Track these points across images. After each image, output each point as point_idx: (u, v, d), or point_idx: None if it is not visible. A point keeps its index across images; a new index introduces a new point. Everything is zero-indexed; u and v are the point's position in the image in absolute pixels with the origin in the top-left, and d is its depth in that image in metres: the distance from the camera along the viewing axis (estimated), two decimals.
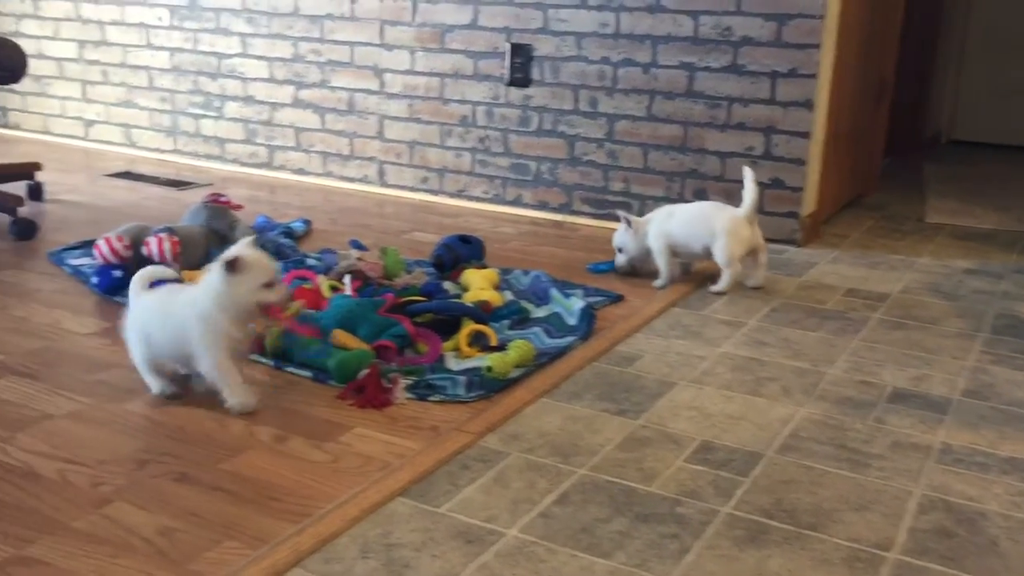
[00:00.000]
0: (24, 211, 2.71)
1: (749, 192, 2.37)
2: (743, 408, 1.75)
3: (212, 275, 1.63)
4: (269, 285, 1.63)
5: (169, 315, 1.65)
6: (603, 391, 1.80)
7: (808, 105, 2.79)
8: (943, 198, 3.82)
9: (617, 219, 2.54)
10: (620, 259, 2.55)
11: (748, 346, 2.06)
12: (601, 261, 2.62)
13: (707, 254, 2.43)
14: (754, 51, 2.83)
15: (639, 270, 2.54)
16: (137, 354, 1.70)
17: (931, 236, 3.17)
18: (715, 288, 2.42)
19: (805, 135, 2.82)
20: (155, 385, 1.71)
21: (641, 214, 2.62)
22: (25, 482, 1.41)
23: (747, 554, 1.29)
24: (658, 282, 2.47)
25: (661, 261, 2.46)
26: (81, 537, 1.28)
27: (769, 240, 2.92)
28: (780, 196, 2.89)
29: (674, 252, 2.46)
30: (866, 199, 3.76)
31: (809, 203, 2.94)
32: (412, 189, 3.43)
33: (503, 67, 3.18)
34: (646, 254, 2.50)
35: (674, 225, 2.43)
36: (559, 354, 1.97)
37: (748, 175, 2.38)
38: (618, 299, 2.36)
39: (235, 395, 1.65)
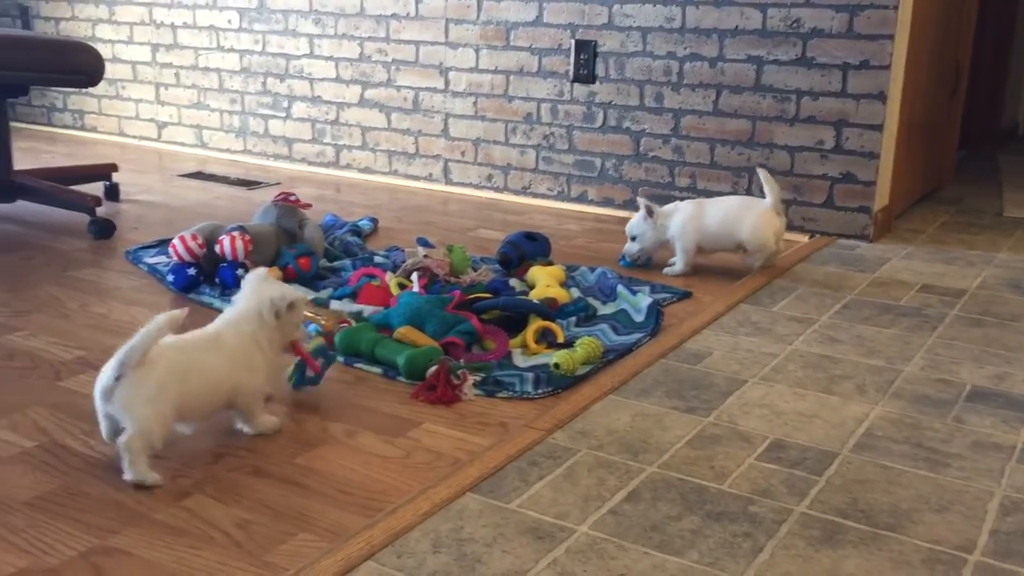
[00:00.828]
0: (102, 211, 2.79)
1: (770, 186, 2.45)
2: (816, 406, 1.72)
3: (252, 311, 1.59)
4: (299, 324, 1.67)
5: (211, 359, 1.53)
6: (672, 388, 1.79)
7: (881, 97, 2.73)
8: (1021, 191, 3.70)
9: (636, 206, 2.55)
10: (633, 248, 2.53)
11: (820, 343, 2.02)
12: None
13: (738, 248, 2.48)
14: (824, 43, 2.77)
15: (652, 260, 2.57)
16: (167, 418, 1.45)
17: (1010, 231, 3.08)
18: (753, 266, 2.51)
19: (878, 128, 2.76)
20: (147, 473, 1.43)
21: None
22: (108, 475, 1.45)
23: (822, 554, 1.27)
24: (674, 270, 2.50)
25: (687, 255, 2.48)
26: (162, 529, 1.32)
27: (839, 236, 2.87)
28: (851, 191, 2.84)
29: (702, 247, 2.49)
30: (940, 193, 3.67)
31: (881, 197, 2.88)
32: (477, 187, 3.44)
33: (568, 63, 3.17)
34: (660, 245, 2.51)
35: (707, 221, 2.46)
36: (626, 351, 1.96)
37: (763, 175, 2.47)
38: (686, 296, 2.34)
39: (266, 423, 1.60)
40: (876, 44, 2.71)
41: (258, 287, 1.63)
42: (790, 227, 2.93)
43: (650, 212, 2.48)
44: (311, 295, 2.24)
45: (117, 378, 1.41)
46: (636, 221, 2.52)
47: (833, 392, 1.78)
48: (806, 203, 2.90)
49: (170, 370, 1.46)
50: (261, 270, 1.69)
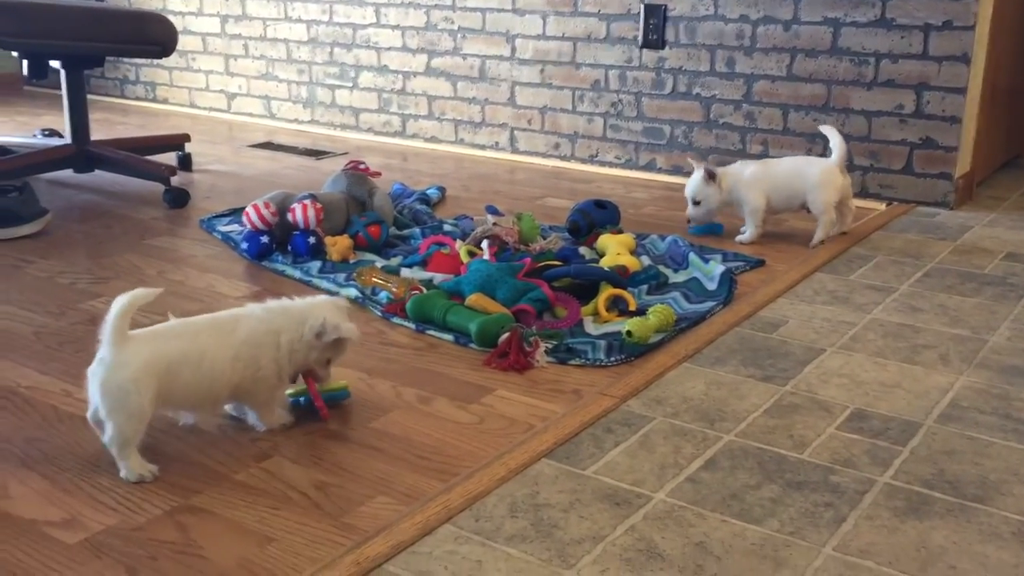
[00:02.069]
0: (176, 180, 2.84)
1: (837, 143, 2.41)
2: (898, 376, 1.68)
3: (297, 312, 1.48)
4: (328, 363, 1.52)
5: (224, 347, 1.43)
6: (747, 357, 1.76)
7: (964, 59, 2.64)
8: None
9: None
10: (698, 211, 2.49)
11: (900, 312, 1.97)
12: (707, 223, 2.57)
13: (801, 207, 2.46)
14: (905, 3, 2.68)
15: (719, 225, 2.56)
16: (141, 413, 1.35)
17: None
18: (813, 241, 2.43)
19: (960, 91, 2.67)
20: (138, 468, 1.36)
21: None
22: (190, 437, 1.48)
23: (908, 525, 1.24)
24: (745, 236, 2.47)
25: (756, 217, 2.45)
26: (243, 489, 1.34)
27: (919, 203, 2.79)
28: (931, 156, 2.75)
29: (769, 209, 2.46)
30: None
31: (963, 163, 2.78)
32: (543, 155, 3.42)
33: (637, 29, 3.12)
34: (724, 207, 2.49)
35: (773, 180, 2.43)
36: (699, 319, 1.94)
37: (830, 131, 2.44)
38: (759, 264, 2.30)
39: (276, 418, 1.51)
40: (960, 4, 2.61)
41: (323, 304, 1.52)
42: (866, 194, 2.85)
43: (711, 176, 2.44)
44: (381, 263, 2.25)
45: (100, 360, 1.34)
46: (697, 185, 2.47)
47: (916, 362, 1.73)
48: (884, 170, 2.82)
49: (156, 359, 1.36)
50: (343, 301, 1.56)
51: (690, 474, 1.36)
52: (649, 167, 3.21)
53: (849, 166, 2.86)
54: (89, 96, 3.18)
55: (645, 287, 2.09)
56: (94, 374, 1.35)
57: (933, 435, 1.47)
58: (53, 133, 3.43)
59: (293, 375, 1.51)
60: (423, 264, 2.22)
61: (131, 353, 1.34)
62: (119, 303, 1.33)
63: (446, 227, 2.52)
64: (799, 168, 2.44)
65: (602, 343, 1.80)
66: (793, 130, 2.92)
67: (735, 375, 1.68)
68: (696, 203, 2.49)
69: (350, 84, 3.81)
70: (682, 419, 1.52)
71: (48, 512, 1.28)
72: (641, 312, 1.92)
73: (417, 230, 2.50)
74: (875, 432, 1.48)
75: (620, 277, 2.06)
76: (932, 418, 1.52)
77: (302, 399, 1.57)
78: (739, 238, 2.48)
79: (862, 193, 2.85)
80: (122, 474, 1.35)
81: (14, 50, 2.79)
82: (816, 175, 2.40)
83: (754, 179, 2.44)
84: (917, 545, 1.20)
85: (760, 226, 2.46)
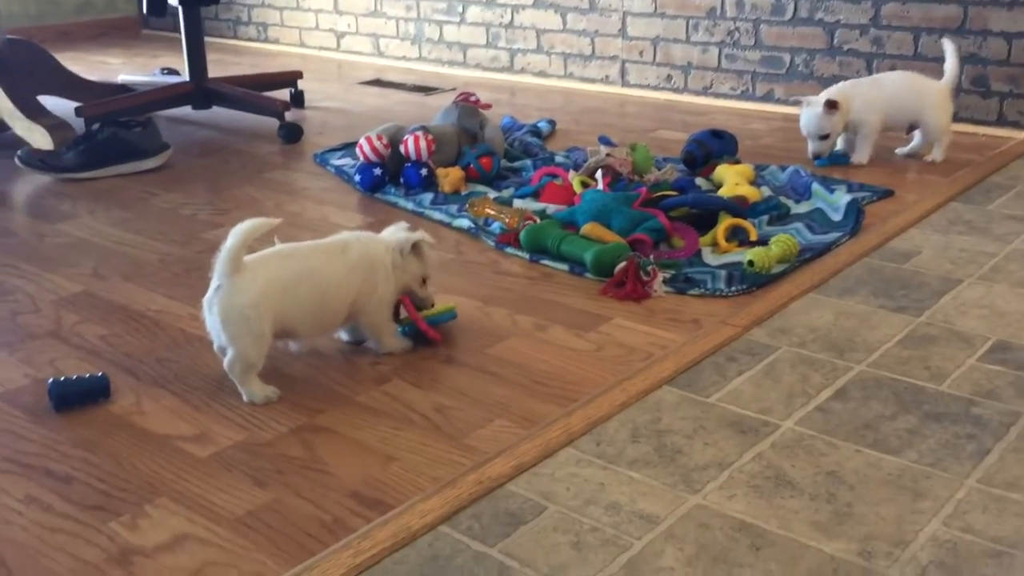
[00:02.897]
0: (290, 116, 2.87)
1: (953, 64, 2.37)
2: None
3: (387, 238, 1.51)
4: (426, 280, 1.53)
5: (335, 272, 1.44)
6: (878, 287, 1.68)
7: None
8: None
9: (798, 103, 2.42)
10: (824, 145, 2.39)
11: None
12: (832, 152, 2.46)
13: (911, 128, 2.43)
14: None
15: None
16: (262, 337, 1.36)
17: None
18: (932, 158, 2.41)
19: None
20: (261, 391, 1.38)
21: None
22: (313, 360, 1.50)
23: None
24: (860, 158, 2.42)
25: (870, 138, 2.40)
26: (365, 410, 1.35)
27: None
28: None
29: (883, 127, 2.41)
30: None
31: None
32: (655, 88, 3.32)
33: None
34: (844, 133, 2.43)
35: (887, 98, 2.37)
36: (824, 250, 1.86)
37: (950, 48, 2.38)
38: (887, 194, 2.19)
39: (397, 344, 1.51)
40: None
41: (391, 229, 1.55)
42: (1005, 122, 2.68)
43: (834, 106, 2.31)
44: (493, 194, 2.23)
45: (217, 288, 1.35)
46: (818, 118, 2.34)
47: None
48: None
49: (272, 281, 1.37)
50: (404, 224, 1.58)
51: (819, 403, 1.31)
52: (767, 98, 3.08)
53: (985, 92, 2.69)
54: (204, 38, 3.23)
55: (766, 218, 2.01)
56: (211, 303, 1.36)
57: None
58: (172, 72, 3.51)
59: (393, 299, 1.51)
60: (535, 195, 2.19)
61: (247, 279, 1.35)
62: (238, 232, 1.33)
63: (558, 159, 2.48)
64: (913, 86, 2.37)
65: (722, 273, 1.75)
66: (925, 55, 2.76)
67: (865, 305, 1.61)
68: (823, 137, 2.37)
69: (457, 19, 3.77)
70: (809, 349, 1.46)
71: (180, 428, 1.31)
72: (762, 242, 1.85)
73: (528, 162, 2.47)
74: (1020, 364, 1.39)
75: (740, 207, 1.99)
76: None
77: (406, 328, 1.56)
78: (854, 159, 2.42)
79: (1001, 121, 2.68)
80: (245, 399, 1.37)
81: None
82: (931, 96, 2.35)
83: (867, 97, 2.36)
84: None
85: (872, 144, 2.41)
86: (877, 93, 2.36)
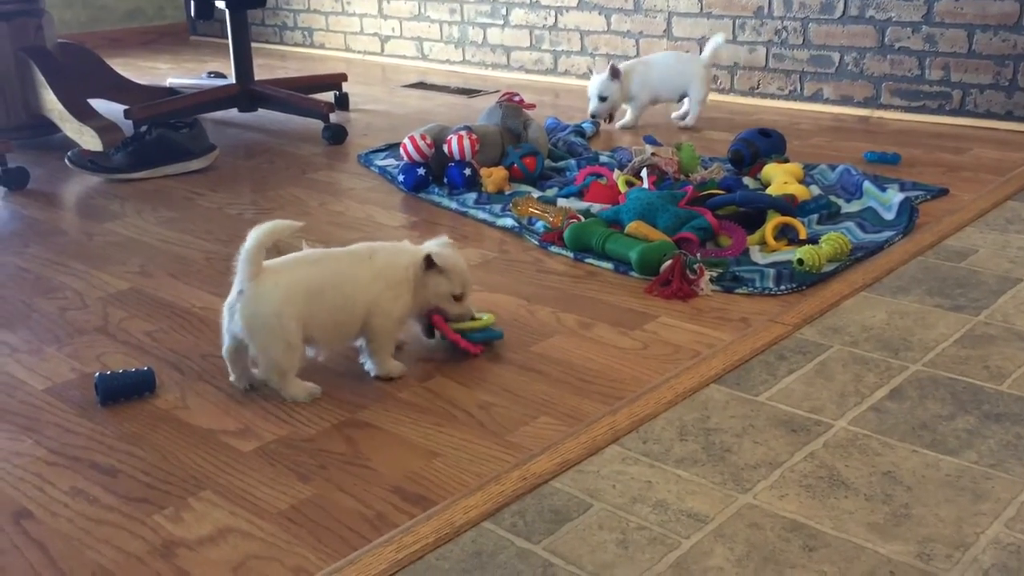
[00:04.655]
0: (334, 118, 2.88)
1: (711, 50, 2.76)
2: None
3: (412, 250, 1.44)
4: (458, 297, 1.45)
5: (356, 284, 1.38)
6: (933, 286, 1.63)
7: None
8: None
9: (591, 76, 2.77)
10: (602, 107, 2.75)
11: None
12: (882, 152, 2.42)
13: (680, 98, 2.82)
14: None
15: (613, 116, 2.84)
16: (291, 344, 1.33)
17: None
18: (686, 123, 2.82)
19: None
20: (302, 390, 1.36)
21: (962, 106, 2.41)
22: (353, 355, 1.49)
23: None
24: (627, 122, 2.83)
25: (639, 109, 2.81)
26: (407, 407, 1.34)
27: None
28: None
29: (653, 100, 2.81)
30: None
31: None
32: None
33: None
34: (622, 102, 2.80)
35: (655, 76, 2.76)
36: (876, 249, 1.81)
37: (715, 41, 2.77)
38: (941, 193, 2.13)
39: (392, 367, 1.42)
40: None
41: (429, 243, 1.47)
42: None
43: (616, 74, 2.68)
44: (537, 193, 2.21)
45: (239, 293, 1.32)
46: (603, 82, 2.71)
47: None
48: None
49: (294, 286, 1.33)
50: (447, 239, 1.50)
51: (874, 403, 1.27)
52: (815, 98, 3.03)
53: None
54: (251, 43, 3.26)
55: (815, 217, 1.97)
56: (233, 309, 1.32)
57: None
58: (219, 75, 3.55)
59: (418, 311, 1.45)
60: (580, 194, 2.17)
61: (269, 285, 1.31)
62: (256, 233, 1.30)
63: (602, 159, 2.46)
64: (679, 65, 2.76)
65: (770, 272, 1.71)
66: (979, 52, 2.69)
67: (920, 304, 1.56)
68: (602, 99, 2.73)
69: (501, 22, 3.77)
70: (862, 348, 1.43)
71: (224, 422, 1.31)
72: (812, 241, 1.81)
73: (573, 162, 2.45)
74: None
75: (788, 205, 1.95)
76: None
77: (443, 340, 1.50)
78: (620, 123, 2.83)
79: None
80: (287, 399, 1.35)
81: None
82: (694, 71, 2.74)
83: (641, 75, 2.74)
84: None
85: (640, 114, 2.84)
86: (649, 73, 2.75)
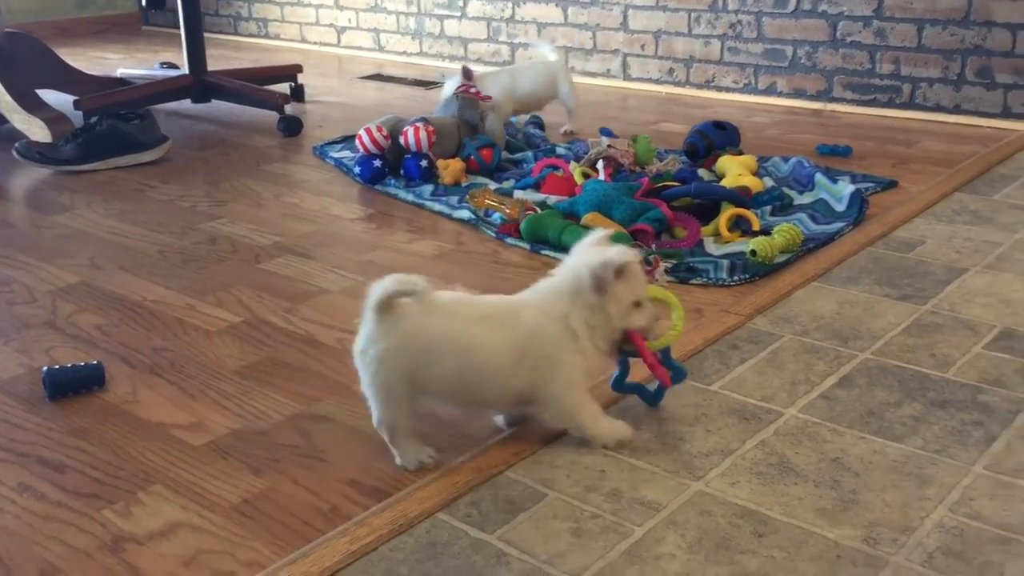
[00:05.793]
0: (289, 109, 2.85)
1: (549, 51, 2.76)
2: None
3: (566, 284, 1.17)
4: (639, 304, 1.18)
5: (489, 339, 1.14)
6: (882, 276, 1.66)
7: None
8: None
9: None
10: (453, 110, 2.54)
11: None
12: (834, 144, 2.46)
13: (544, 104, 2.73)
14: None
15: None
16: (391, 395, 1.14)
17: None
18: (568, 128, 2.72)
19: None
20: (412, 454, 1.16)
21: (912, 99, 2.45)
22: (309, 348, 1.49)
23: None
24: (496, 131, 2.54)
25: (502, 117, 2.56)
26: (363, 399, 1.33)
27: None
28: None
29: (517, 108, 2.69)
30: None
31: None
32: (657, 81, 3.30)
33: None
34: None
35: (521, 85, 2.63)
36: (828, 240, 1.84)
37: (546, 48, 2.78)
38: (891, 185, 2.17)
39: (607, 431, 1.18)
40: None
41: (582, 252, 1.19)
42: (1010, 114, 2.66)
43: (469, 76, 2.52)
44: (494, 185, 2.21)
45: (361, 335, 1.14)
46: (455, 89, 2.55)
47: None
48: None
49: (410, 336, 1.12)
50: (599, 233, 1.22)
51: (823, 391, 1.29)
52: (769, 91, 3.06)
53: (989, 84, 2.67)
54: (204, 34, 3.21)
55: (769, 208, 2.00)
56: (358, 339, 1.15)
57: None
58: (171, 66, 3.49)
59: (612, 349, 1.19)
60: (536, 186, 2.17)
61: (387, 326, 1.12)
62: (386, 285, 1.11)
63: (559, 150, 2.47)
64: (546, 71, 2.68)
65: (724, 262, 1.73)
66: (928, 47, 2.74)
67: (869, 294, 1.59)
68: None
69: (459, 13, 3.76)
70: (813, 337, 1.45)
71: (175, 416, 1.30)
72: (765, 232, 1.83)
73: (530, 153, 2.45)
74: None
75: (743, 197, 1.97)
76: None
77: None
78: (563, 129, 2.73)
79: (1005, 112, 2.66)
80: (397, 461, 1.16)
81: None
82: (562, 76, 2.69)
83: (503, 85, 2.59)
84: None
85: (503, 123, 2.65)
86: (511, 82, 2.62)
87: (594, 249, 1.18)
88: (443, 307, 1.14)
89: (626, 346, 1.19)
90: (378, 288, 1.11)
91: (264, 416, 1.29)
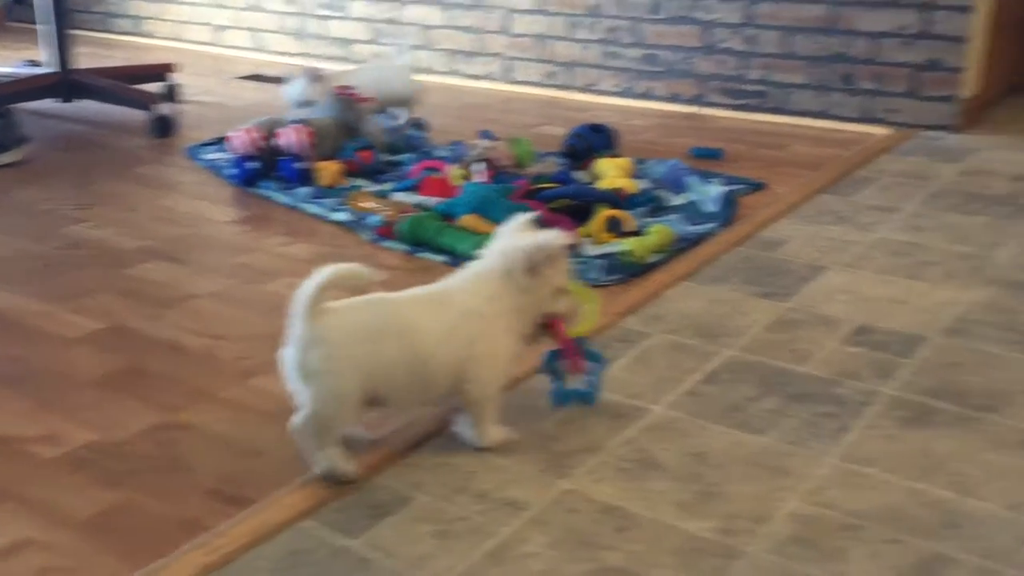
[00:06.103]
0: (162, 109, 2.76)
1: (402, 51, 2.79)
2: (903, 292, 1.63)
3: (497, 266, 1.17)
4: (563, 290, 1.19)
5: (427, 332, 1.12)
6: (748, 275, 1.71)
7: None
8: None
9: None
10: (304, 113, 2.47)
11: (905, 231, 1.92)
12: (707, 147, 2.53)
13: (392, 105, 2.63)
14: None
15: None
16: (341, 395, 1.10)
17: None
18: (410, 119, 2.62)
19: (966, 9, 2.58)
20: (340, 462, 1.11)
21: (780, 104, 2.53)
22: (174, 355, 1.44)
23: (912, 435, 1.20)
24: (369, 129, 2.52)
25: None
26: (230, 406, 1.30)
27: (924, 127, 2.72)
28: (937, 79, 2.67)
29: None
30: None
31: (970, 85, 2.71)
32: (539, 85, 3.33)
33: None
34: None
35: (367, 82, 2.55)
36: (698, 240, 1.89)
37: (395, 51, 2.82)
38: (759, 187, 2.24)
39: (498, 430, 1.19)
40: None
41: (510, 234, 1.20)
42: (871, 119, 2.78)
43: (318, 78, 2.52)
44: (372, 187, 2.19)
45: (293, 338, 1.10)
46: (302, 87, 2.52)
47: (921, 278, 1.69)
48: (888, 93, 2.75)
49: (353, 329, 1.10)
50: (523, 216, 1.22)
51: (690, 387, 1.32)
52: (647, 95, 3.13)
53: (852, 90, 2.78)
54: (74, 31, 3.08)
55: (643, 210, 2.04)
56: (284, 356, 1.11)
57: (939, 348, 1.43)
58: (36, 64, 3.34)
59: (534, 333, 1.21)
60: (415, 188, 2.16)
61: (323, 327, 1.08)
62: (320, 277, 1.08)
63: (439, 153, 2.46)
64: (391, 69, 2.72)
65: (598, 263, 1.76)
66: (796, 54, 2.84)
67: (735, 293, 1.64)
68: (302, 105, 2.50)
69: (341, 14, 3.71)
70: (681, 335, 1.48)
71: (26, 429, 1.24)
72: (638, 233, 1.87)
73: (410, 156, 2.44)
74: (879, 346, 1.44)
75: (618, 198, 2.01)
76: (937, 332, 1.48)
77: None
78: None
79: (865, 118, 2.78)
80: (315, 470, 1.11)
81: None
82: (407, 74, 2.71)
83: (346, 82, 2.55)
84: (921, 453, 1.16)
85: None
86: (354, 80, 2.55)
87: (521, 232, 1.20)
88: (372, 300, 1.14)
89: (545, 332, 1.21)
90: (307, 289, 1.08)
91: (122, 426, 1.25)
